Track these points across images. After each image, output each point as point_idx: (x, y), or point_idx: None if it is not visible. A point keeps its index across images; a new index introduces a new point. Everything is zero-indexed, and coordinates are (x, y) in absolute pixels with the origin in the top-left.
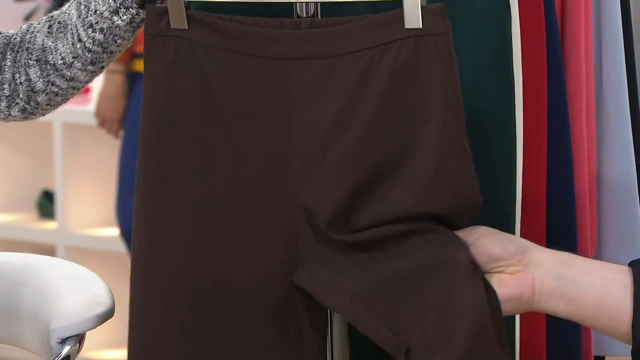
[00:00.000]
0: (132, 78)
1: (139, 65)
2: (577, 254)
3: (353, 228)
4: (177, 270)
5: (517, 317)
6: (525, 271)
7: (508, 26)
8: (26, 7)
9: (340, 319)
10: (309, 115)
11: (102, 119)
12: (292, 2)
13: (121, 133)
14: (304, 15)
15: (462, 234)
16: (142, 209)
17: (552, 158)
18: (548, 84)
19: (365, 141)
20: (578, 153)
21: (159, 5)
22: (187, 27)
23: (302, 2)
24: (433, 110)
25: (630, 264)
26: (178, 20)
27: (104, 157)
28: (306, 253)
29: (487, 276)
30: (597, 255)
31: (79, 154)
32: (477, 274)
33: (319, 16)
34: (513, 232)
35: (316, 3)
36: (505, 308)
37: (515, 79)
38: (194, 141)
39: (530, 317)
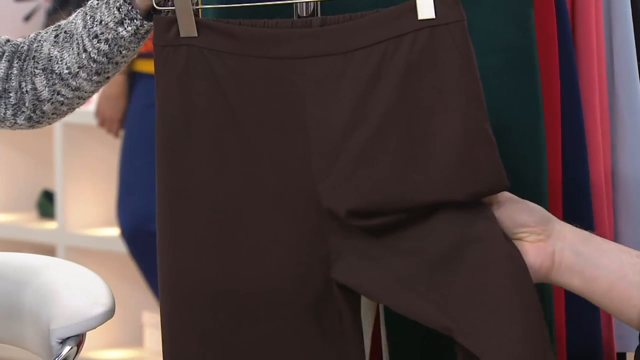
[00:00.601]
0: (132, 78)
1: (140, 66)
2: None
3: (376, 221)
4: (205, 277)
5: None
6: (546, 241)
7: (531, 21)
8: (26, 7)
9: (366, 309)
10: (324, 112)
11: (103, 119)
12: (292, 2)
13: (121, 133)
14: (304, 15)
15: (487, 197)
16: (165, 218)
17: (566, 155)
18: (561, 82)
19: (383, 134)
20: (593, 150)
21: (165, 15)
22: (196, 35)
23: (302, 2)
24: (452, 99)
25: None
26: (187, 28)
27: (104, 157)
28: (339, 248)
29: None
30: None
31: (79, 154)
32: (512, 250)
33: (319, 15)
34: None
35: (316, 2)
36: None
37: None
38: (211, 147)
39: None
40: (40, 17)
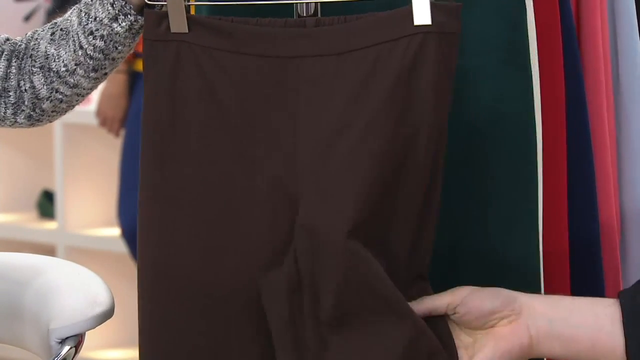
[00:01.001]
0: (133, 78)
1: (141, 65)
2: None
3: (357, 222)
4: (185, 273)
5: None
6: (518, 320)
7: (524, 21)
8: (26, 7)
9: None
10: (315, 112)
11: (103, 119)
12: (293, 2)
13: (122, 132)
14: (305, 15)
15: (447, 297)
16: (146, 214)
17: (571, 158)
18: (566, 83)
19: (369, 137)
20: (599, 151)
21: (157, 10)
22: (187, 31)
23: (303, 2)
24: (426, 108)
25: (618, 295)
26: (178, 24)
27: (104, 157)
28: None
29: (482, 334)
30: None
31: (79, 154)
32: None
33: (320, 16)
34: (537, 233)
35: (316, 3)
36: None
37: (533, 80)
38: (197, 143)
39: None
40: (40, 17)
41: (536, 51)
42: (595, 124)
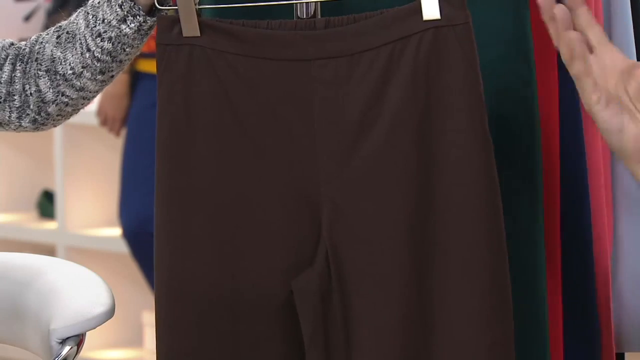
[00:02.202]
0: (135, 77)
1: (143, 65)
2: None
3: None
4: (204, 276)
5: None
6: None
7: (527, 15)
8: (26, 7)
9: None
10: (332, 115)
11: (104, 118)
12: (292, 3)
13: (123, 132)
14: (304, 17)
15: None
16: (164, 220)
17: (564, 156)
18: (560, 80)
19: (394, 137)
20: (591, 150)
21: (169, 14)
22: (199, 35)
23: (302, 3)
24: (457, 99)
25: None
26: (190, 28)
27: (104, 157)
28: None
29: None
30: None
31: (79, 154)
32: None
33: (319, 17)
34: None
35: (316, 3)
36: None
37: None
38: (213, 148)
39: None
40: (40, 17)
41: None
42: (588, 122)
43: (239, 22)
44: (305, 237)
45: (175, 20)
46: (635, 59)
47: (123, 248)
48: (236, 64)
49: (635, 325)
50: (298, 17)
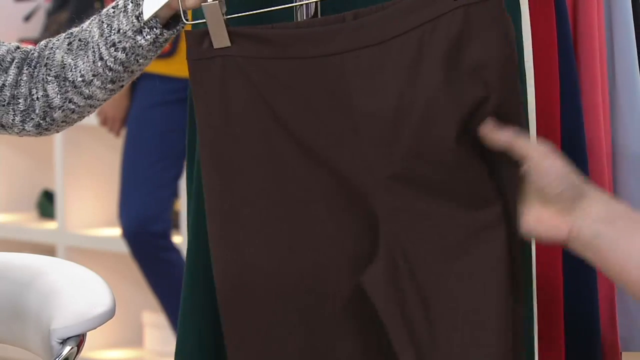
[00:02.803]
0: (136, 78)
1: None
2: None
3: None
4: (262, 273)
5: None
6: (568, 216)
7: (519, 20)
8: (26, 7)
9: None
10: (370, 104)
11: (105, 118)
12: (292, 6)
13: (123, 132)
14: (304, 18)
15: (532, 149)
16: (218, 234)
17: (565, 157)
18: (561, 80)
19: (432, 119)
20: (594, 153)
21: (197, 29)
22: (230, 44)
23: (302, 4)
24: (491, 74)
25: None
26: (220, 39)
27: (104, 157)
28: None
29: (529, 205)
30: None
31: (79, 154)
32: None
33: (319, 16)
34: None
35: (316, 3)
36: (535, 235)
37: (527, 80)
38: (260, 155)
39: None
40: (40, 17)
41: (531, 48)
42: (590, 123)
43: (268, 26)
44: (363, 229)
45: (204, 34)
46: (636, 60)
47: (123, 248)
48: (269, 67)
49: (635, 325)
50: (298, 20)
